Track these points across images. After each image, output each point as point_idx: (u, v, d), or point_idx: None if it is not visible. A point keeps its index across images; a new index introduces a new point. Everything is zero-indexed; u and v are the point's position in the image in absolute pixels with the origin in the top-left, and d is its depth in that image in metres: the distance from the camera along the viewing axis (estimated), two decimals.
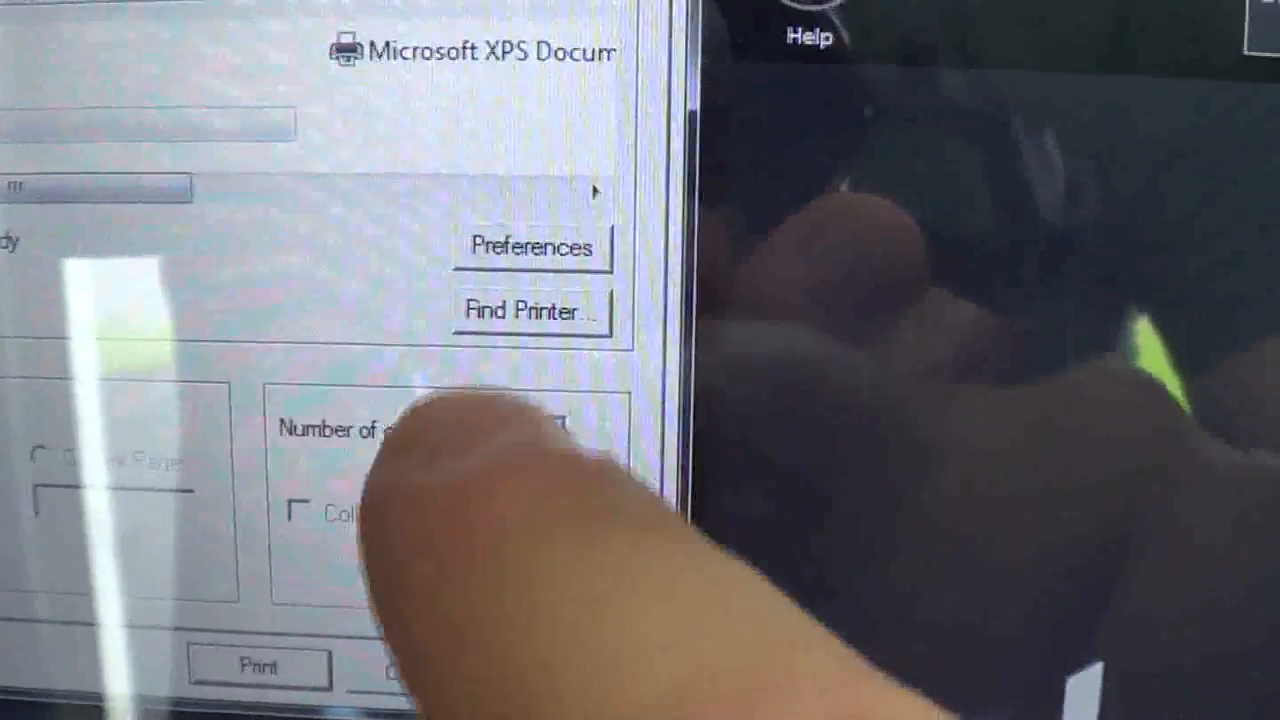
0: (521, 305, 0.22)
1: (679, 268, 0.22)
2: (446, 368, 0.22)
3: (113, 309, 0.22)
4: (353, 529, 0.23)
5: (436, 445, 0.11)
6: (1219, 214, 0.22)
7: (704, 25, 0.21)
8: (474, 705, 0.10)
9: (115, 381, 0.22)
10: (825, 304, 0.22)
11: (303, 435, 0.22)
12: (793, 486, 0.22)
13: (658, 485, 0.22)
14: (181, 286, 0.22)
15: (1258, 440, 0.23)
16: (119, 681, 0.23)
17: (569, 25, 0.21)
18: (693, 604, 0.10)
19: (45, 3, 0.22)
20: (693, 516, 0.22)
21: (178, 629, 0.23)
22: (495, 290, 0.22)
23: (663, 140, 0.21)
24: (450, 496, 0.11)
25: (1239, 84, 0.22)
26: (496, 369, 0.22)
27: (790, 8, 0.21)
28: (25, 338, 0.22)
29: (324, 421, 0.22)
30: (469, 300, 0.22)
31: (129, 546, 0.23)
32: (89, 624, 0.23)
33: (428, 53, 0.21)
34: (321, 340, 0.22)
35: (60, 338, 0.22)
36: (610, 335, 0.22)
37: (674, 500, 0.22)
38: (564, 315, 0.22)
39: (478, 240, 0.22)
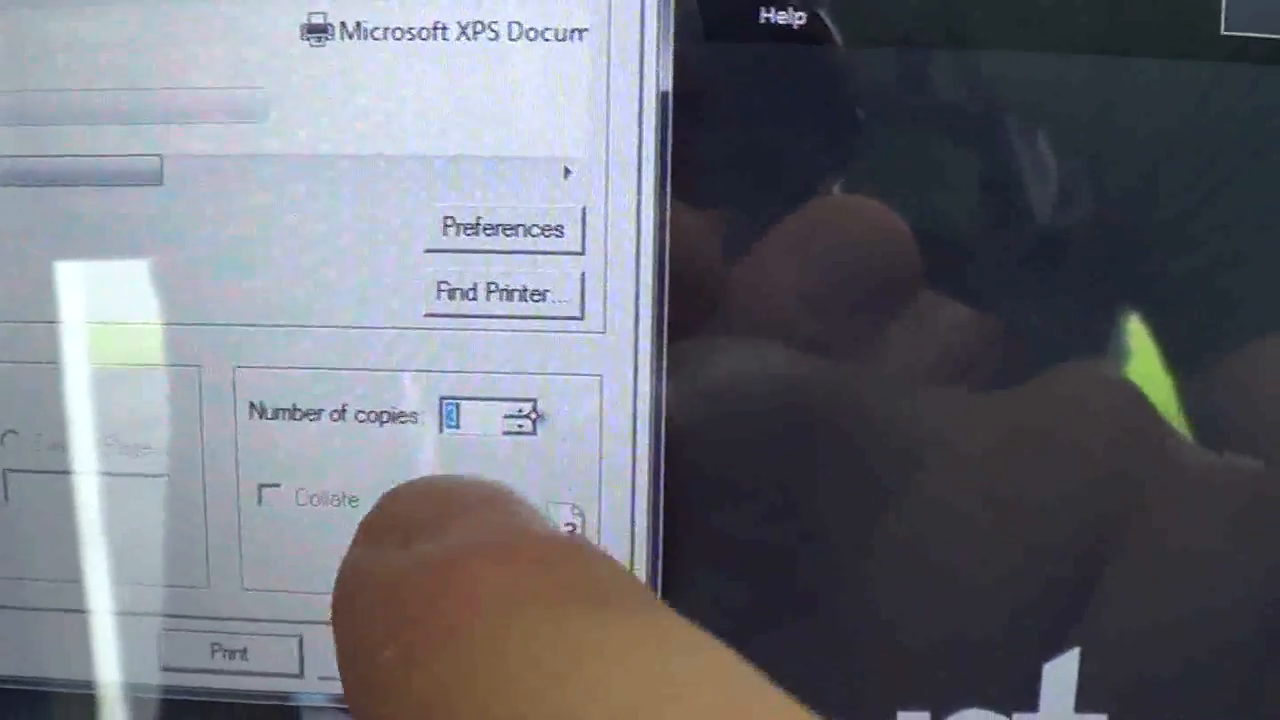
0: (493, 287, 0.22)
1: (651, 250, 0.21)
2: (417, 350, 0.22)
3: (83, 293, 0.22)
4: (323, 513, 0.23)
5: (410, 529, 0.12)
6: (1201, 199, 0.22)
7: (677, 4, 0.21)
8: None
9: (86, 366, 0.22)
10: (801, 288, 0.22)
11: (273, 419, 0.22)
12: (766, 471, 0.22)
13: (629, 469, 0.22)
14: (151, 269, 0.22)
15: (1250, 439, 0.23)
16: (89, 668, 0.23)
17: (540, 5, 0.21)
18: (654, 679, 0.10)
19: None
20: (665, 503, 0.22)
21: (148, 615, 0.23)
22: (466, 272, 0.22)
23: (635, 121, 0.21)
24: (421, 578, 0.11)
25: (1217, 65, 0.22)
26: (467, 351, 0.22)
27: None
28: None
29: (295, 405, 0.22)
30: (440, 282, 0.22)
31: (99, 532, 0.22)
32: (59, 610, 0.23)
33: (399, 33, 0.21)
34: (292, 323, 0.22)
35: (30, 322, 0.22)
36: (582, 317, 0.22)
37: (644, 486, 0.22)
38: (535, 297, 0.22)
39: (449, 222, 0.22)
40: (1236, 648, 0.23)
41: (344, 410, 0.22)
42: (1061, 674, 0.23)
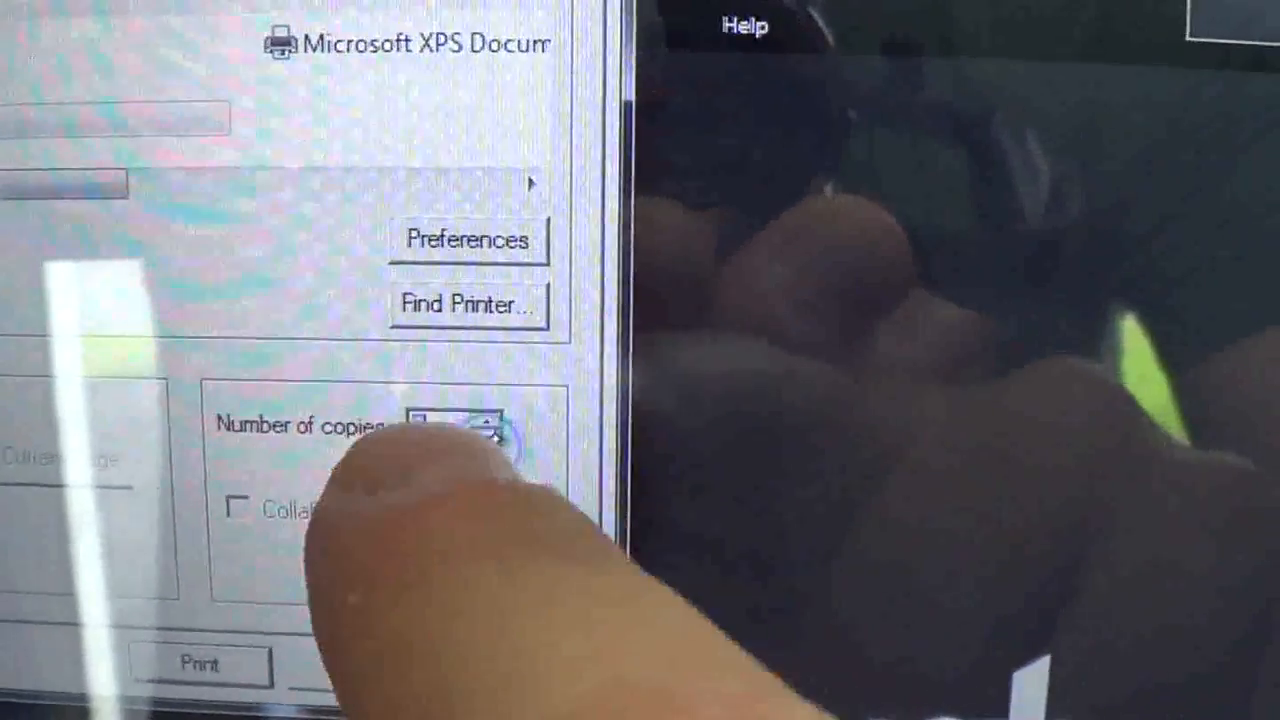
0: (458, 298, 0.22)
1: (616, 260, 0.21)
2: (384, 362, 0.22)
3: (48, 306, 0.22)
4: (291, 524, 0.23)
5: (378, 477, 0.12)
6: (1169, 203, 0.22)
7: (638, 15, 0.21)
8: None
9: (52, 378, 0.22)
10: (767, 293, 0.22)
11: (240, 431, 0.22)
12: (733, 480, 0.22)
13: (596, 478, 0.22)
14: (117, 282, 0.22)
15: (1241, 438, 0.23)
16: (58, 680, 0.23)
17: (502, 16, 0.21)
18: (609, 625, 0.10)
19: None
20: (631, 510, 0.22)
21: (118, 627, 0.23)
22: (432, 284, 0.22)
23: (598, 131, 0.21)
24: (385, 525, 0.11)
25: (1182, 70, 0.22)
26: (434, 363, 0.22)
27: None
28: None
29: (261, 417, 0.22)
30: (405, 294, 0.22)
31: (68, 544, 0.22)
32: (26, 622, 0.23)
33: (362, 45, 0.21)
34: (258, 335, 0.22)
35: None
36: (547, 328, 0.22)
37: (612, 493, 0.22)
38: (501, 308, 0.22)
39: (413, 233, 0.22)
40: (1208, 656, 0.23)
41: (311, 422, 0.22)
42: (1032, 682, 0.22)
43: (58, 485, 0.22)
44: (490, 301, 0.22)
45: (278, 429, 0.22)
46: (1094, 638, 0.23)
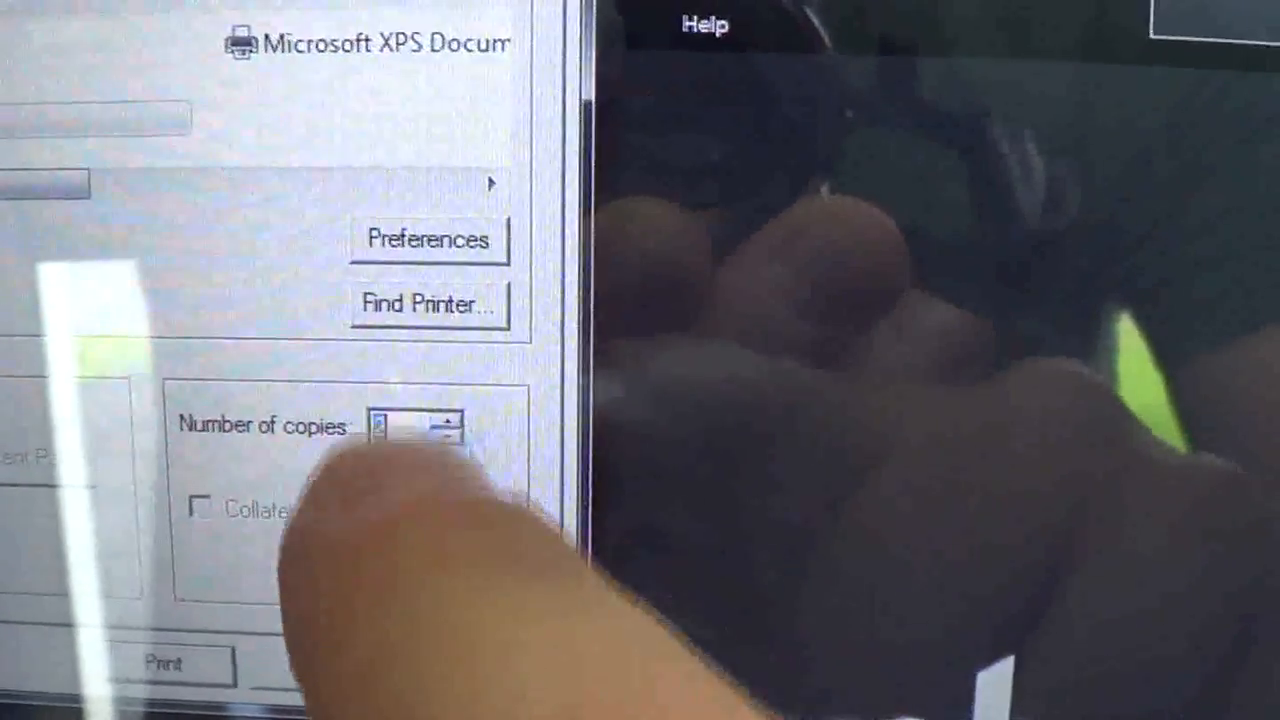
0: (419, 298, 0.22)
1: (576, 259, 0.21)
2: (345, 361, 0.22)
3: (10, 305, 0.22)
4: (254, 524, 0.23)
5: (350, 493, 0.12)
6: (1159, 202, 0.22)
7: (598, 14, 0.21)
8: None
9: (15, 378, 0.22)
10: (729, 294, 0.22)
11: (203, 430, 0.22)
12: (695, 481, 0.22)
13: (557, 479, 0.22)
14: (79, 282, 0.22)
15: (1239, 435, 0.23)
16: (20, 679, 0.23)
17: (463, 16, 0.21)
18: (575, 643, 0.10)
19: None
20: (592, 511, 0.22)
21: (82, 625, 0.23)
22: (392, 283, 0.22)
23: (558, 131, 0.21)
24: (357, 542, 0.11)
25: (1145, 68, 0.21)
26: (395, 362, 0.22)
27: None
28: None
29: (224, 416, 0.22)
30: (366, 293, 0.22)
31: (30, 543, 0.22)
32: None
33: (322, 45, 0.21)
34: (220, 335, 0.22)
35: None
36: (508, 328, 0.22)
37: (573, 494, 0.22)
38: (461, 308, 0.22)
39: (374, 233, 0.22)
40: (1175, 656, 0.23)
41: (273, 422, 0.22)
42: (995, 683, 0.22)
43: (20, 485, 0.22)
44: (451, 301, 0.22)
45: (240, 428, 0.22)
46: (1062, 640, 0.22)
